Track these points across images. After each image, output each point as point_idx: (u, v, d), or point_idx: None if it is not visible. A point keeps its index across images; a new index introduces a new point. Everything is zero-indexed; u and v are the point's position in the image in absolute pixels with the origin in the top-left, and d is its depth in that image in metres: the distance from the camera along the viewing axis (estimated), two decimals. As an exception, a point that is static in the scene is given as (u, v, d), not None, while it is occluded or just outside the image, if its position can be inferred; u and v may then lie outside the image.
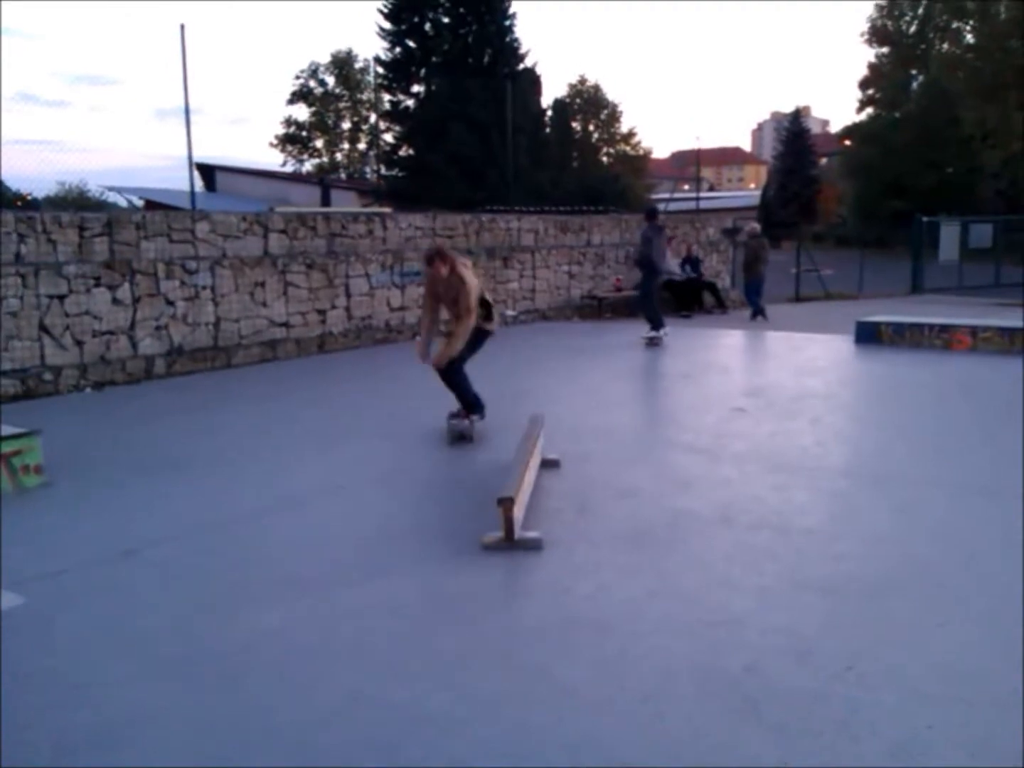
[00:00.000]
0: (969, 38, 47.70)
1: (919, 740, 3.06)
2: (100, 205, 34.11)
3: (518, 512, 4.97)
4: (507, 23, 41.20)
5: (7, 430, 6.34)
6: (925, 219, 25.85)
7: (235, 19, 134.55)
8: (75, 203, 30.75)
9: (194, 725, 3.24)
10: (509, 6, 41.09)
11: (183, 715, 3.31)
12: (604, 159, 61.20)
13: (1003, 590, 4.29)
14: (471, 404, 7.48)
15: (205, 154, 20.96)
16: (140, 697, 3.43)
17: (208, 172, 38.07)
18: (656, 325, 13.15)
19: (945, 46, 50.12)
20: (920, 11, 50.60)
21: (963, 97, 40.51)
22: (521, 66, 41.94)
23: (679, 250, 18.08)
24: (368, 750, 3.05)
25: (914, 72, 52.03)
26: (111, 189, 35.58)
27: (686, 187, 68.01)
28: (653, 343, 13.02)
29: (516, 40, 41.77)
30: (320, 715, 3.30)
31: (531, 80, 42.72)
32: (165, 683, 3.55)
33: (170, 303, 10.92)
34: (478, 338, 7.39)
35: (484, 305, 7.35)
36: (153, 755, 3.04)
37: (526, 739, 3.10)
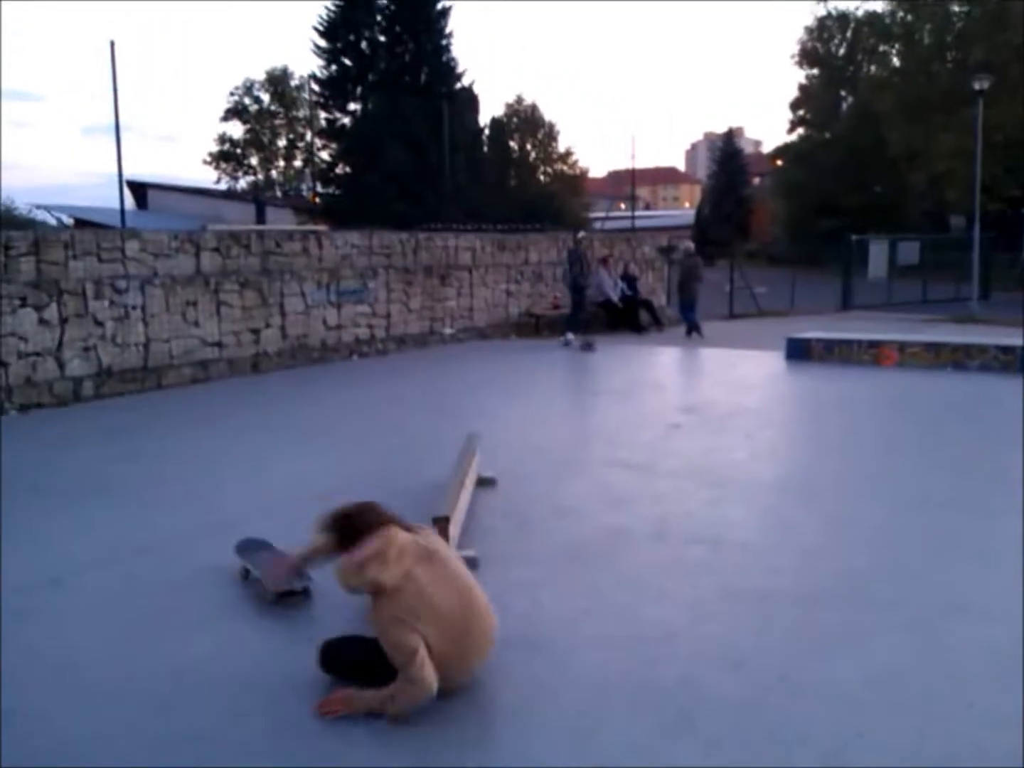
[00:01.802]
0: (895, 61, 49.06)
1: (850, 748, 3.11)
2: (27, 223, 33.41)
3: (453, 531, 4.93)
4: (444, 42, 41.43)
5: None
6: (854, 237, 26.44)
7: (165, 34, 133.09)
8: (1, 221, 30.04)
9: (122, 753, 3.15)
10: (446, 26, 41.32)
11: (111, 744, 3.22)
12: (541, 178, 61.58)
13: (932, 599, 4.39)
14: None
15: (136, 171, 20.75)
16: (67, 726, 3.34)
17: (139, 189, 37.59)
18: (581, 332, 15.19)
19: (872, 68, 51.47)
20: (848, 34, 51.92)
21: (890, 119, 41.58)
22: (458, 85, 42.17)
23: (615, 269, 18.25)
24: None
25: (843, 94, 53.35)
26: (39, 207, 34.92)
27: (622, 206, 68.82)
28: (584, 347, 14.58)
29: (453, 59, 42.04)
30: (254, 741, 3.23)
31: (468, 99, 42.97)
32: (93, 711, 3.45)
33: (99, 323, 10.68)
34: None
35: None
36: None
37: (458, 756, 3.09)
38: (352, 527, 3.47)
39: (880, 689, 3.50)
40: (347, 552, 3.44)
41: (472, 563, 4.81)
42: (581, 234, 17.51)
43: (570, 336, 15.19)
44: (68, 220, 32.94)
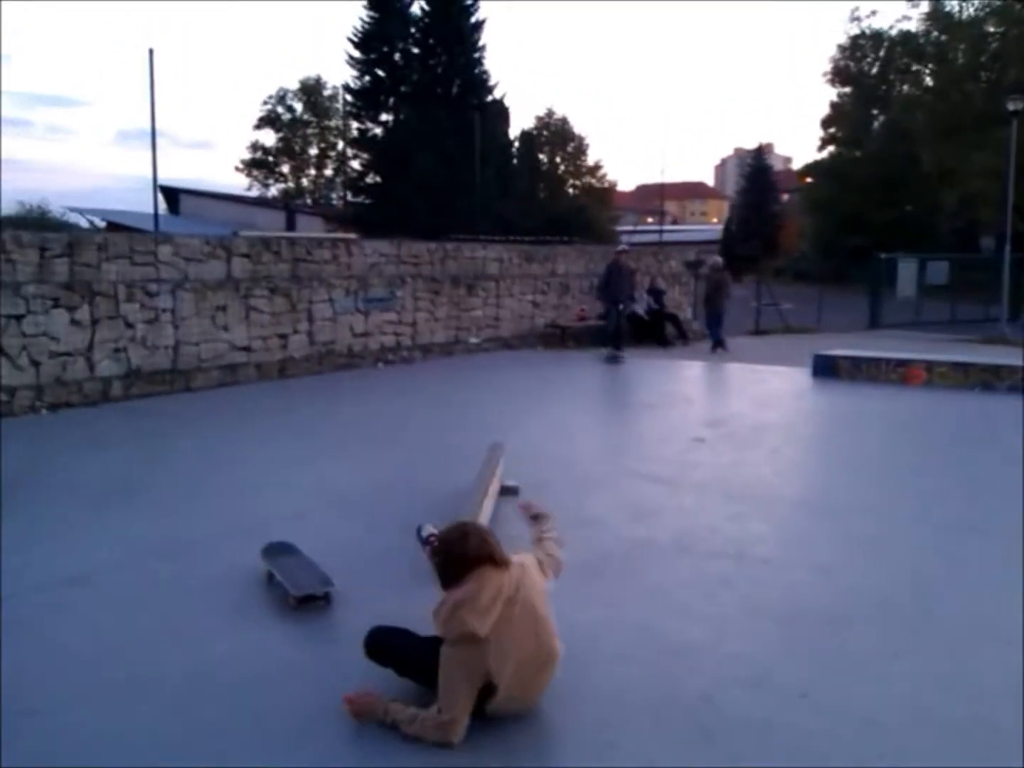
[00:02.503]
0: (928, 81, 48.77)
1: (870, 769, 3.08)
2: (62, 226, 33.85)
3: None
4: (476, 55, 41.59)
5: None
6: (883, 256, 26.28)
7: (200, 42, 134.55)
8: (36, 223, 30.46)
9: (141, 752, 3.18)
10: (479, 39, 41.50)
11: (130, 742, 3.25)
12: (570, 191, 61.64)
13: (955, 622, 4.35)
14: None
15: (169, 176, 20.96)
16: (87, 723, 3.37)
17: (172, 195, 37.96)
18: (614, 345, 15.07)
19: (905, 88, 51.18)
20: (881, 53, 51.64)
21: (922, 137, 41.33)
22: (489, 98, 42.30)
23: (642, 282, 18.25)
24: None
25: (875, 112, 53.04)
26: (73, 210, 35.36)
27: (650, 220, 68.77)
28: (612, 359, 14.66)
29: (485, 72, 42.17)
30: (273, 742, 3.26)
31: (499, 112, 43.09)
32: (113, 709, 3.48)
33: (130, 325, 10.80)
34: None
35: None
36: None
37: (477, 765, 3.09)
38: (453, 562, 3.40)
39: (901, 711, 3.47)
40: (445, 589, 3.41)
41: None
42: (623, 247, 17.40)
43: (610, 349, 15.10)
44: (101, 223, 33.30)
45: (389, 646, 3.59)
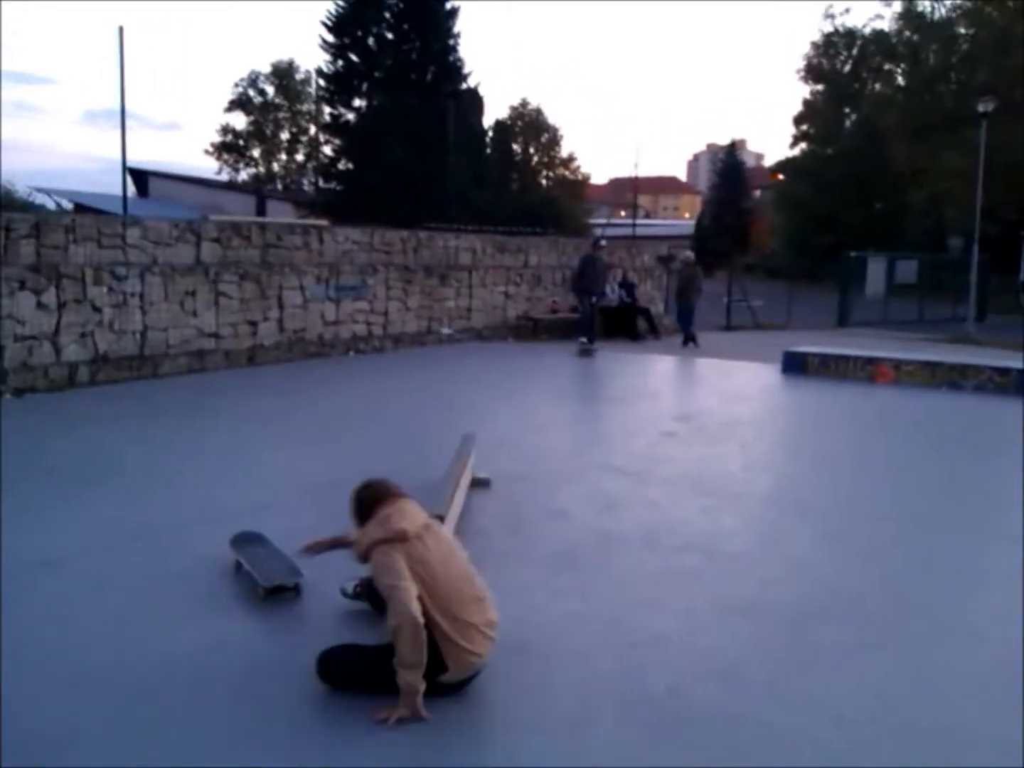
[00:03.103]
0: (900, 80, 49.23)
1: (838, 763, 3.10)
2: (28, 206, 33.35)
3: (447, 530, 4.93)
4: (451, 42, 41.41)
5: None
6: (853, 254, 26.51)
7: (171, 22, 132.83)
8: (1, 203, 29.95)
9: (109, 739, 3.15)
10: (453, 26, 41.32)
11: (98, 729, 3.22)
12: (543, 182, 61.62)
13: (922, 616, 4.40)
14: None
15: (138, 159, 20.70)
16: (57, 711, 3.34)
17: (141, 177, 37.54)
18: (588, 337, 15.08)
19: (877, 86, 51.63)
20: (854, 51, 52.05)
21: (893, 136, 41.71)
22: (464, 86, 42.16)
23: (616, 277, 18.28)
24: (287, 770, 3.00)
25: (847, 110, 53.47)
26: (40, 190, 34.86)
27: (622, 214, 68.92)
28: (585, 352, 14.67)
29: (459, 60, 42.02)
30: (240, 732, 3.23)
31: (473, 100, 42.98)
32: (82, 697, 3.44)
33: (97, 309, 10.65)
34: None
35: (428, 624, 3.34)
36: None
37: (446, 761, 3.09)
38: (371, 498, 3.71)
39: (868, 705, 3.50)
40: (366, 524, 3.62)
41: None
42: (600, 241, 17.29)
43: (583, 340, 15.14)
44: (68, 205, 32.87)
45: (341, 669, 3.54)
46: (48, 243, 10.21)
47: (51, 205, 33.89)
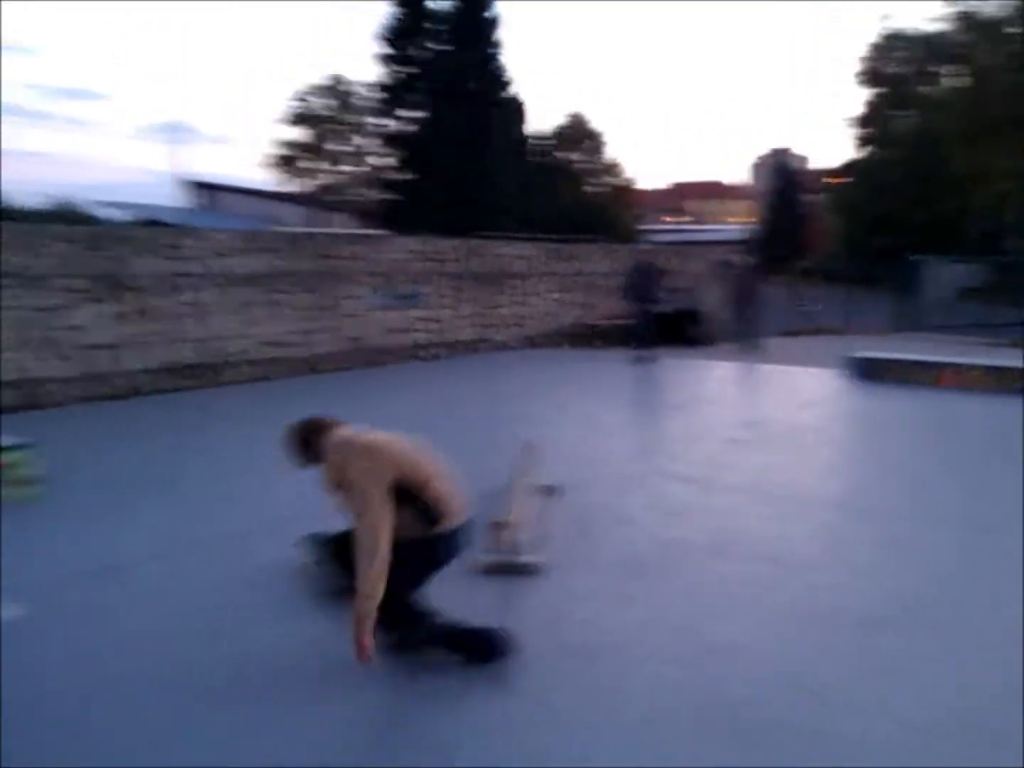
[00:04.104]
0: (959, 82, 48.33)
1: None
2: (88, 219, 34.08)
3: (511, 536, 4.91)
4: (495, 52, 41.53)
5: (4, 441, 6.28)
6: (913, 257, 26.04)
7: (225, 36, 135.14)
8: (62, 217, 30.64)
9: (178, 745, 3.18)
10: (498, 35, 41.45)
11: (167, 733, 3.25)
12: (593, 189, 61.51)
13: (991, 626, 4.26)
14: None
15: (193, 171, 21.01)
16: (123, 713, 3.36)
17: (199, 189, 38.11)
18: (641, 345, 14.70)
19: (936, 88, 50.77)
20: (912, 54, 51.27)
21: (951, 138, 40.95)
22: (510, 95, 42.25)
23: (669, 282, 18.12)
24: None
25: (905, 113, 52.66)
26: (100, 203, 35.60)
27: (674, 219, 68.51)
28: (641, 359, 14.39)
29: (504, 68, 42.11)
30: (309, 739, 3.22)
31: (519, 109, 43.05)
32: (150, 701, 3.48)
33: (158, 320, 10.83)
34: (419, 556, 3.71)
35: (415, 492, 3.68)
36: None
37: (520, 764, 3.06)
38: (312, 431, 3.88)
39: (942, 714, 3.41)
40: (320, 460, 3.77)
41: (530, 569, 4.79)
42: (648, 247, 17.14)
43: (640, 350, 14.80)
44: (128, 217, 33.52)
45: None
46: (110, 255, 10.40)
47: (113, 217, 34.59)
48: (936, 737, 3.24)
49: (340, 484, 3.63)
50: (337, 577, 4.17)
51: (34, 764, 3.05)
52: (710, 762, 3.08)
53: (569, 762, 3.08)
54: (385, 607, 3.45)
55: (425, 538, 3.66)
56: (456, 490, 3.83)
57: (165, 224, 19.13)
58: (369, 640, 3.37)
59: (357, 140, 53.73)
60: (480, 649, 3.77)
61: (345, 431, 3.83)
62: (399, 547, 3.49)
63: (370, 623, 3.37)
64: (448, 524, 3.70)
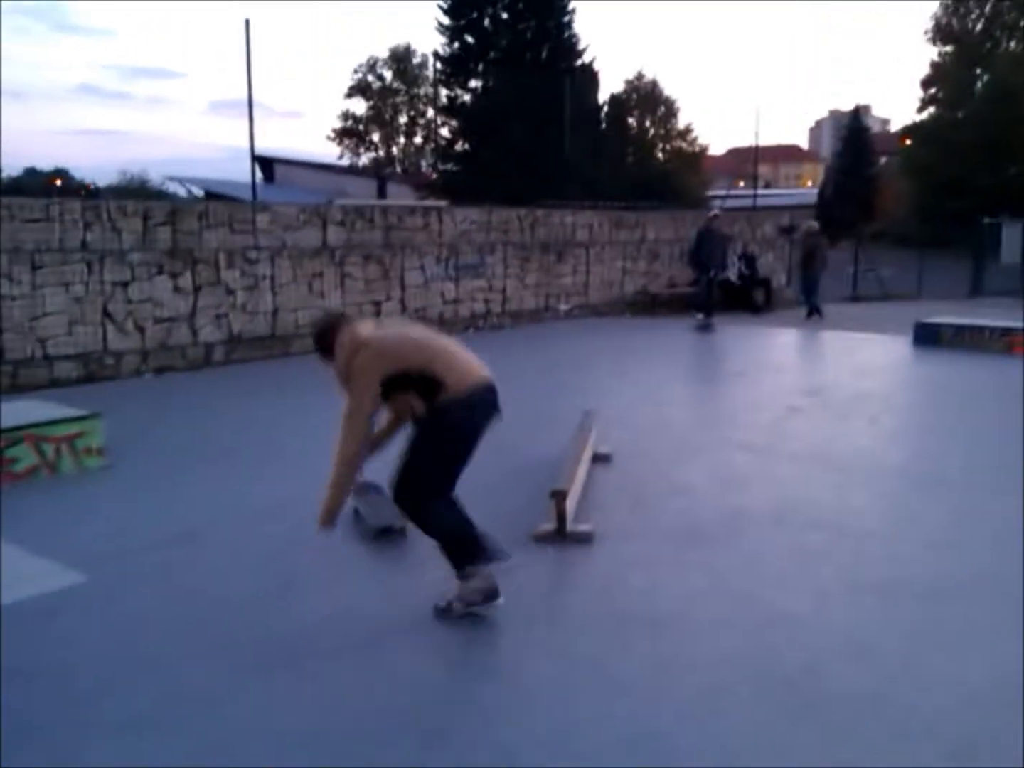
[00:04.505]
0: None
1: (975, 744, 3.02)
2: (161, 195, 34.77)
3: (570, 505, 4.98)
4: (565, 19, 41.13)
5: (69, 412, 6.51)
6: (987, 220, 25.31)
7: (289, 11, 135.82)
8: (136, 192, 31.32)
9: (254, 706, 3.30)
10: (568, 2, 41.01)
11: (243, 696, 3.37)
12: (660, 155, 60.76)
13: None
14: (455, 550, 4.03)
15: (262, 146, 21.32)
16: (201, 677, 3.50)
17: (267, 164, 38.57)
18: (704, 312, 14.64)
19: (1011, 44, 48.97)
20: (987, 9, 49.46)
21: (1025, 97, 39.56)
22: (579, 62, 41.84)
23: (734, 249, 17.88)
24: (416, 734, 3.09)
25: (978, 71, 50.91)
26: (172, 179, 36.27)
27: (742, 184, 67.35)
28: (703, 327, 14.34)
29: (574, 36, 41.69)
30: (375, 699, 3.34)
31: (588, 76, 42.61)
32: (227, 663, 3.61)
33: (230, 292, 11.09)
34: (433, 430, 3.95)
35: (422, 374, 3.89)
36: (213, 733, 3.11)
37: (578, 731, 3.11)
38: (329, 327, 4.08)
39: (1006, 687, 3.38)
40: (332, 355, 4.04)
41: (588, 538, 4.86)
42: (715, 212, 16.68)
43: (701, 316, 14.68)
44: (199, 192, 34.11)
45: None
46: (183, 229, 10.66)
47: (183, 193, 35.26)
48: (999, 711, 3.23)
49: (346, 379, 3.94)
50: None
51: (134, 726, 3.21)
52: (770, 731, 3.11)
53: (628, 729, 3.12)
54: (403, 484, 3.88)
55: (433, 410, 3.88)
56: (469, 364, 3.99)
57: (235, 199, 19.44)
58: (328, 516, 3.88)
59: (424, 111, 53.78)
60: (471, 553, 3.97)
61: (357, 327, 4.00)
62: (417, 426, 3.95)
63: (333, 502, 3.87)
64: (454, 393, 3.84)
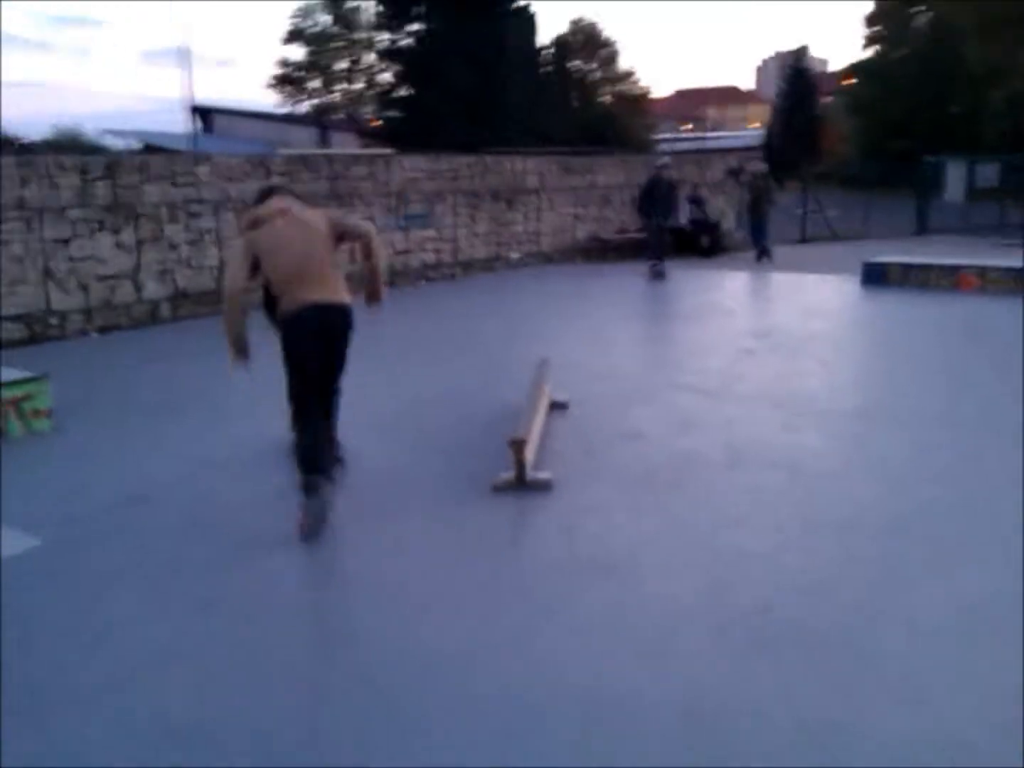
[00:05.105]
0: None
1: (928, 677, 3.10)
2: (97, 149, 33.79)
3: (529, 454, 4.99)
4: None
5: (16, 374, 6.34)
6: (930, 159, 25.55)
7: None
8: (71, 147, 30.41)
9: (213, 663, 3.29)
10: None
11: (202, 654, 3.36)
12: (605, 99, 60.26)
13: (1016, 531, 4.30)
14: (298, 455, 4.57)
15: (196, 96, 20.70)
16: (159, 637, 3.48)
17: (205, 114, 37.62)
18: (655, 258, 14.22)
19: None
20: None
21: (969, 35, 39.75)
22: (520, 3, 41.18)
23: (683, 194, 17.76)
24: (383, 683, 3.10)
25: (920, 9, 51.01)
26: (109, 132, 35.26)
27: (688, 127, 67.18)
28: (656, 275, 14.00)
29: (515, -23, 40.96)
30: (336, 649, 3.35)
31: (529, 18, 42.00)
32: (184, 623, 3.59)
33: (174, 247, 10.84)
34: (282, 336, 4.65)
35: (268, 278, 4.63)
36: (171, 695, 3.09)
37: (540, 675, 3.14)
38: (262, 192, 4.89)
39: (960, 619, 3.48)
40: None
41: (547, 486, 4.88)
42: (663, 161, 16.24)
43: (652, 264, 14.21)
44: (136, 145, 33.21)
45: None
46: (123, 183, 10.37)
47: (120, 146, 34.27)
48: (957, 645, 3.31)
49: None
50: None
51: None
52: (726, 670, 3.16)
53: (590, 673, 3.16)
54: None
55: (277, 322, 4.65)
56: (306, 287, 4.44)
57: (174, 151, 18.98)
58: (231, 351, 4.71)
59: (364, 57, 52.65)
60: (305, 463, 4.44)
61: (259, 213, 4.62)
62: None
63: (227, 336, 4.68)
64: (285, 309, 4.49)
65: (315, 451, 4.48)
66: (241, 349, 4.62)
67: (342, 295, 4.57)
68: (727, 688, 3.04)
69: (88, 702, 3.05)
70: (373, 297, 5.05)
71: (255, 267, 4.49)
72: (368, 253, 4.81)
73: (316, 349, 4.50)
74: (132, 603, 3.75)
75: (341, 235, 4.69)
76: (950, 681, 3.08)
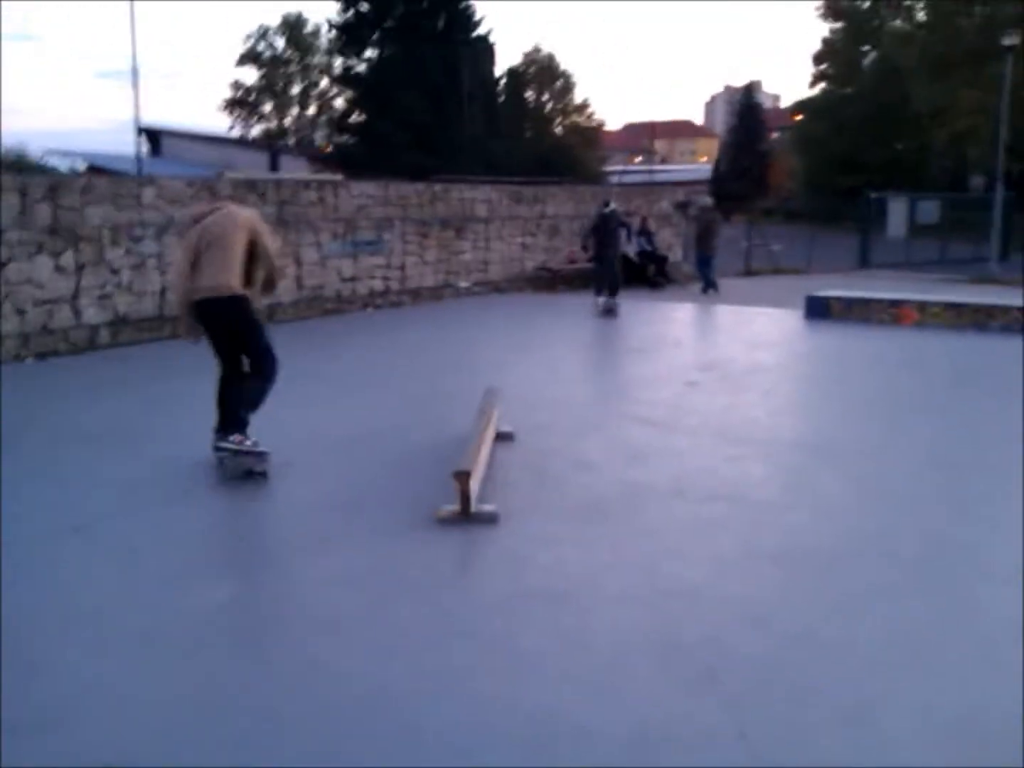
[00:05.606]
0: (921, 15, 48.11)
1: (872, 706, 3.09)
2: (40, 169, 33.27)
3: (474, 485, 4.93)
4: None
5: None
6: (873, 195, 26.13)
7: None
8: (12, 166, 29.87)
9: (151, 699, 3.17)
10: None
11: (139, 689, 3.24)
12: (557, 130, 60.91)
13: (953, 560, 4.37)
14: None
15: (147, 117, 20.51)
16: (94, 672, 3.35)
17: (153, 136, 37.29)
18: (603, 289, 13.91)
19: (897, 22, 50.48)
20: (873, -12, 50.83)
21: (914, 74, 40.86)
22: (475, 33, 41.55)
23: (632, 226, 17.80)
24: (328, 721, 3.01)
25: (867, 48, 52.36)
26: (52, 153, 34.74)
27: (638, 159, 68.11)
28: (602, 304, 13.68)
29: (470, 7, 41.35)
30: (280, 686, 3.25)
31: (485, 48, 42.39)
32: (120, 657, 3.46)
33: (115, 271, 10.64)
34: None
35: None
36: (108, 732, 2.97)
37: (487, 711, 3.08)
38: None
39: (901, 649, 3.49)
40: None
41: (493, 518, 4.82)
42: (610, 208, 14.60)
43: (602, 300, 13.84)
44: (81, 166, 32.76)
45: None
46: (64, 205, 10.17)
47: (64, 167, 33.77)
48: (898, 675, 3.31)
49: None
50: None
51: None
52: (672, 702, 3.13)
53: (537, 707, 3.10)
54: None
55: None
56: (212, 274, 5.39)
57: (120, 173, 18.72)
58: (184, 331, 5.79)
59: (318, 81, 52.71)
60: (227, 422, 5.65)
61: (197, 212, 5.73)
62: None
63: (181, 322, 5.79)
64: (195, 296, 5.45)
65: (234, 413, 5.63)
66: (190, 327, 5.62)
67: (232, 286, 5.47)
68: (674, 719, 3.01)
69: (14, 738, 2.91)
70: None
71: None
72: (269, 285, 5.89)
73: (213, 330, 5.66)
74: (64, 638, 3.61)
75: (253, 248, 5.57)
76: (893, 707, 3.08)
